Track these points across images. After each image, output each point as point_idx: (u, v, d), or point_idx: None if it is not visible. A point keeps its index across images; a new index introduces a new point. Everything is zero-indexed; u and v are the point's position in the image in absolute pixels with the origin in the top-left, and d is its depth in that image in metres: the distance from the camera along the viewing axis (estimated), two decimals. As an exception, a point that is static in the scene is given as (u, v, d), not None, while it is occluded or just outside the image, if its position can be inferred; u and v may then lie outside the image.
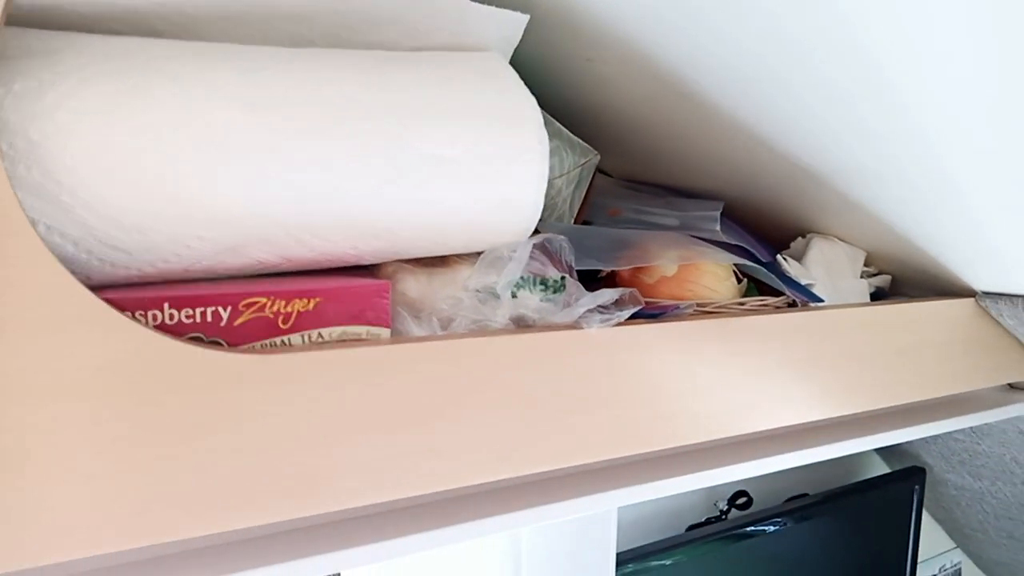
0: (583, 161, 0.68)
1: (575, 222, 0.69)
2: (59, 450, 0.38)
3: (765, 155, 0.67)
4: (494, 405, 0.50)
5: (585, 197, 0.70)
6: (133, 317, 0.40)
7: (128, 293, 0.42)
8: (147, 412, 0.40)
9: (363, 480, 0.46)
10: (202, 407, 0.41)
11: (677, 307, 0.60)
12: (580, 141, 0.69)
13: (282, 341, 0.46)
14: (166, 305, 0.43)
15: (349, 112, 0.47)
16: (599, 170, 0.72)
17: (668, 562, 1.06)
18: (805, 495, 1.24)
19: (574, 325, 0.54)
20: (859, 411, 0.70)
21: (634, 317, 0.56)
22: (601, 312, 0.54)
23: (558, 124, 0.68)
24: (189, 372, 0.41)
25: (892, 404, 0.73)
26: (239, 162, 0.43)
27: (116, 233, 0.41)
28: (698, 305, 0.62)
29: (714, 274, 0.66)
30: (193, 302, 0.44)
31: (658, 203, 0.76)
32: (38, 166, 0.39)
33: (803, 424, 0.69)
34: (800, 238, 0.80)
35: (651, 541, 1.04)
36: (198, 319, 0.44)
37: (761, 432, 0.66)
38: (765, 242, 0.76)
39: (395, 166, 0.47)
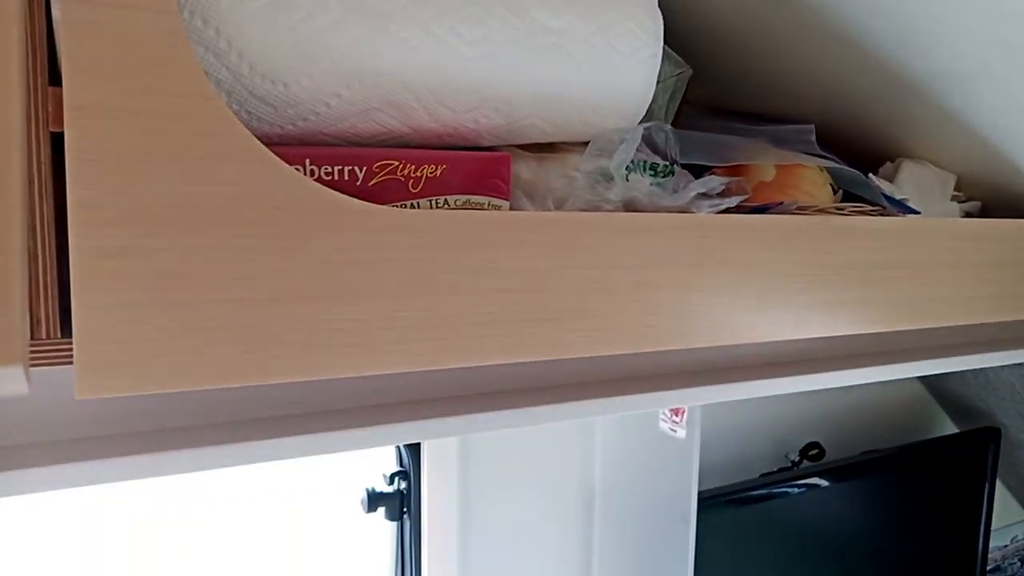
0: (678, 72, 0.69)
1: (669, 134, 0.70)
2: (192, 274, 0.40)
3: (860, 64, 0.67)
4: (602, 279, 0.51)
5: (679, 106, 0.70)
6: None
7: (274, 149, 0.44)
8: (286, 244, 0.41)
9: (474, 338, 0.47)
10: (336, 248, 0.43)
11: (780, 204, 0.60)
12: (674, 53, 0.70)
13: (410, 205, 0.48)
14: (307, 161, 0.45)
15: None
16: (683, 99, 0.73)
17: (742, 506, 1.06)
18: (876, 451, 1.23)
19: (683, 209, 0.54)
20: (941, 324, 0.70)
21: (738, 210, 0.57)
22: (708, 199, 0.55)
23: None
24: (325, 215, 0.42)
25: (980, 320, 0.72)
26: (376, 22, 0.45)
27: (264, 84, 0.43)
28: (798, 207, 0.63)
29: (812, 180, 0.66)
30: (332, 160, 0.45)
31: (747, 123, 0.76)
32: (199, 11, 0.41)
33: (884, 332, 0.68)
34: (889, 163, 0.80)
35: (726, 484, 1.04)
36: (336, 176, 0.46)
37: (842, 336, 0.65)
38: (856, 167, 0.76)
39: (515, 35, 0.49)
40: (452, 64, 0.47)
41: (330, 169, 0.45)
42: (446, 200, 0.49)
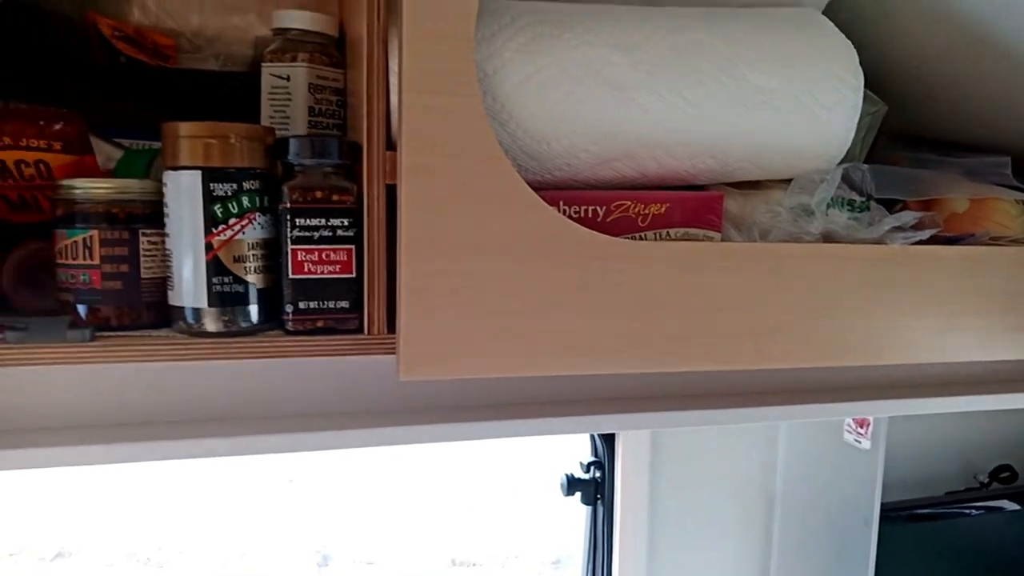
0: (873, 110, 0.75)
1: (863, 167, 0.76)
2: (482, 291, 0.52)
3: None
4: (803, 301, 0.59)
5: (873, 143, 0.76)
6: (545, 205, 0.54)
7: (537, 193, 0.57)
8: (550, 271, 0.53)
9: (690, 348, 0.57)
10: (585, 271, 0.54)
11: (973, 235, 0.65)
12: (869, 92, 0.76)
13: (640, 236, 0.59)
14: (561, 202, 0.57)
15: (695, 52, 0.58)
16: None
17: (925, 522, 1.08)
18: (1077, 478, 1.19)
19: (878, 240, 0.61)
20: None
21: (931, 241, 0.63)
22: (902, 231, 0.62)
23: (851, 77, 0.75)
24: (580, 246, 0.54)
25: None
26: (616, 92, 0.56)
27: (532, 143, 0.56)
28: (991, 238, 0.67)
29: (1006, 212, 0.70)
30: (580, 201, 0.57)
31: (941, 154, 0.81)
32: (490, 92, 0.54)
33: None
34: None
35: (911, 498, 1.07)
36: (582, 214, 0.57)
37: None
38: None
39: (731, 95, 0.58)
40: (678, 122, 0.58)
41: (578, 208, 0.57)
42: (668, 232, 0.59)
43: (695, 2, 0.64)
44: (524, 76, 0.54)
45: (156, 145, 0.74)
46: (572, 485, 1.07)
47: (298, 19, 0.64)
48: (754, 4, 0.65)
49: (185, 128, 0.50)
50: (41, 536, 2.81)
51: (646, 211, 0.58)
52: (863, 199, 0.63)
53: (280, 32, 0.65)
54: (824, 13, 0.66)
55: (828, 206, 0.62)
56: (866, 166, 0.64)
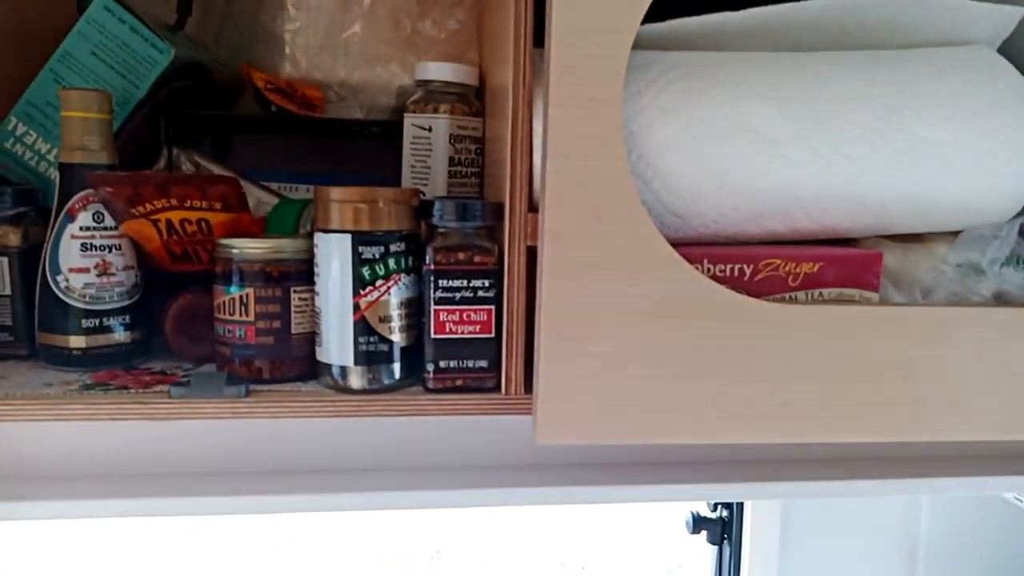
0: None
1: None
2: (622, 356, 0.51)
3: None
4: (968, 370, 0.54)
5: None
6: (689, 267, 0.52)
7: (678, 250, 0.55)
8: (693, 336, 0.51)
9: (841, 419, 0.54)
10: (729, 337, 0.52)
11: None
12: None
13: (790, 296, 0.56)
14: (705, 260, 0.55)
15: (855, 104, 0.54)
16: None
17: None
18: None
19: (1059, 303, 0.56)
20: None
21: (1121, 302, 0.56)
22: (1087, 293, 0.56)
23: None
24: (725, 310, 0.52)
25: None
26: (767, 147, 0.54)
27: (676, 201, 0.54)
28: None
29: None
30: (725, 259, 0.55)
31: None
32: (635, 150, 0.53)
33: None
34: None
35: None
36: (728, 273, 0.55)
37: None
38: None
39: (893, 149, 0.54)
40: (836, 177, 0.54)
41: (723, 267, 0.55)
42: (821, 292, 0.56)
43: (850, 44, 0.60)
44: (670, 134, 0.53)
45: (301, 184, 0.77)
46: (698, 523, 1.04)
47: (440, 71, 0.64)
48: (916, 44, 0.60)
49: (336, 193, 0.52)
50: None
51: (797, 270, 0.55)
52: (1042, 257, 0.57)
53: (423, 84, 0.66)
54: (1002, 49, 0.60)
55: (1001, 264, 0.57)
56: (1047, 219, 0.59)
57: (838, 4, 0.57)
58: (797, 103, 0.54)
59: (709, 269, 0.55)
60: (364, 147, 0.76)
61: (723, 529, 1.04)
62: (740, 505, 1.02)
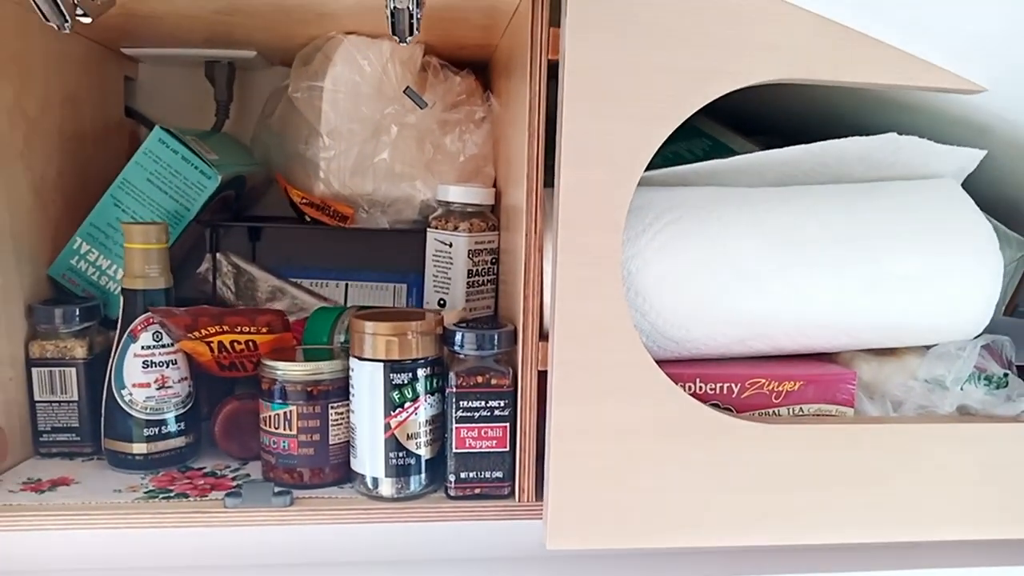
0: (1019, 256, 0.74)
1: (1006, 312, 0.76)
2: (623, 470, 0.58)
3: None
4: (937, 479, 0.61)
5: (1017, 287, 0.76)
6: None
7: (671, 368, 0.61)
8: (685, 452, 0.58)
9: (823, 525, 0.60)
10: (716, 452, 0.58)
11: (1123, 406, 0.64)
12: (1017, 236, 0.75)
13: (773, 412, 0.62)
14: (697, 379, 0.61)
15: (829, 239, 0.61)
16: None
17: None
18: None
19: (1017, 419, 0.62)
20: None
21: (1076, 412, 0.62)
22: (1043, 407, 0.62)
23: (996, 222, 0.75)
24: (712, 428, 0.58)
25: None
26: (751, 281, 0.60)
27: (671, 330, 0.61)
28: None
29: None
30: (715, 379, 0.62)
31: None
32: (633, 287, 0.59)
33: None
34: None
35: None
36: (717, 391, 0.62)
37: None
38: None
39: (865, 281, 0.61)
40: (811, 306, 0.61)
41: (713, 386, 0.62)
42: (801, 408, 0.62)
43: (828, 176, 0.67)
44: (663, 272, 0.60)
45: (330, 279, 0.84)
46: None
47: (460, 194, 0.71)
48: (889, 177, 0.67)
49: (370, 327, 0.59)
50: None
51: (780, 388, 0.62)
52: (1002, 374, 0.64)
53: (443, 203, 0.73)
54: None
55: (965, 381, 0.63)
56: (1006, 338, 0.65)
57: (818, 146, 0.63)
58: (778, 242, 0.61)
59: (701, 387, 0.62)
60: (388, 250, 0.84)
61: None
62: None
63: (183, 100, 0.91)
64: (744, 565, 0.65)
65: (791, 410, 0.62)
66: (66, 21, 0.53)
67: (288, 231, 0.87)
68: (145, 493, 0.61)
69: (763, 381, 0.62)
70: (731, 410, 0.62)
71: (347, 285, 0.85)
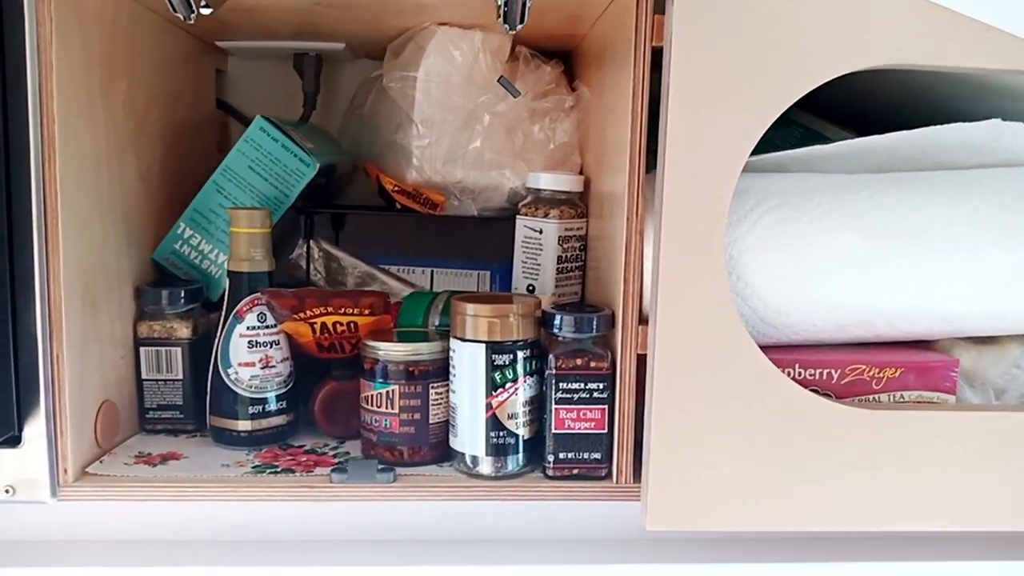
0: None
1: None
2: (723, 454, 0.58)
3: None
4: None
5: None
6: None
7: (770, 354, 0.61)
8: (786, 437, 0.58)
9: (923, 510, 0.60)
10: (819, 437, 0.58)
11: None
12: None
13: (874, 398, 0.62)
14: (796, 365, 0.61)
15: (934, 231, 0.60)
16: None
17: None
18: None
19: None
20: None
21: None
22: None
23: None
24: (814, 414, 0.58)
25: None
26: (852, 270, 0.60)
27: (771, 315, 0.61)
28: None
29: None
30: (815, 364, 0.61)
31: None
32: (735, 271, 0.60)
33: None
34: None
35: None
36: (816, 377, 0.62)
37: None
38: None
39: (968, 270, 0.60)
40: (915, 295, 0.60)
41: (813, 371, 0.61)
42: (902, 395, 0.62)
43: (927, 163, 0.66)
44: (765, 260, 0.60)
45: (417, 267, 0.86)
46: None
47: (551, 182, 0.72)
48: (990, 164, 0.66)
49: (472, 308, 0.60)
50: None
51: (880, 374, 0.62)
52: (1110, 363, 0.62)
53: (533, 191, 0.74)
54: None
55: (1071, 369, 0.62)
56: (1114, 326, 0.63)
57: (918, 133, 0.63)
58: (879, 230, 0.60)
59: (800, 373, 0.62)
60: (471, 238, 0.85)
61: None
62: None
63: (271, 92, 0.93)
64: (847, 551, 0.65)
65: (891, 397, 0.62)
66: (192, 12, 0.55)
67: (371, 219, 0.89)
68: (252, 468, 0.63)
69: (864, 367, 0.61)
70: (830, 396, 0.61)
71: (432, 272, 0.86)
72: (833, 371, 0.62)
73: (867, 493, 0.59)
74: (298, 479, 0.61)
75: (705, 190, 0.56)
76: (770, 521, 0.59)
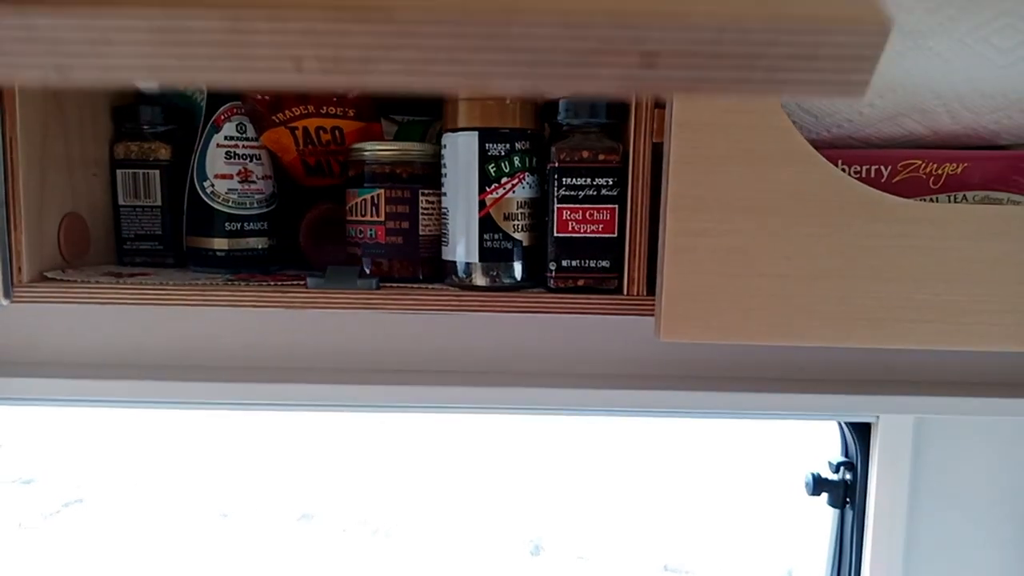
0: None
1: None
2: (750, 252, 0.50)
3: None
4: None
5: None
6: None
7: (808, 152, 0.53)
8: (824, 232, 0.50)
9: (983, 325, 0.51)
10: (862, 234, 0.50)
11: None
12: None
13: (930, 199, 0.53)
14: (840, 161, 0.53)
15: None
16: None
17: None
18: None
19: None
20: None
21: None
22: None
23: None
24: (858, 205, 0.50)
25: None
26: (907, 39, 0.51)
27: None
28: None
29: None
30: (861, 160, 0.53)
31: None
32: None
33: None
34: None
35: None
36: (863, 175, 0.53)
37: None
38: None
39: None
40: (981, 72, 0.51)
41: (859, 168, 0.53)
42: (964, 196, 0.53)
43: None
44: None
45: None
46: (818, 485, 0.99)
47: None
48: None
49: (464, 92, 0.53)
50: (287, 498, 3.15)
51: (939, 171, 0.53)
52: None
53: None
54: None
55: None
56: None
57: None
58: (940, -5, 0.51)
59: (844, 170, 0.53)
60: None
61: (845, 492, 0.99)
62: (865, 467, 0.97)
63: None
64: (883, 388, 0.56)
65: (952, 198, 0.53)
66: None
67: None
68: (224, 280, 0.57)
69: (919, 163, 0.53)
70: (880, 196, 0.53)
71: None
72: (883, 168, 0.53)
73: (919, 304, 0.51)
74: (271, 287, 0.55)
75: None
76: (803, 334, 0.51)
